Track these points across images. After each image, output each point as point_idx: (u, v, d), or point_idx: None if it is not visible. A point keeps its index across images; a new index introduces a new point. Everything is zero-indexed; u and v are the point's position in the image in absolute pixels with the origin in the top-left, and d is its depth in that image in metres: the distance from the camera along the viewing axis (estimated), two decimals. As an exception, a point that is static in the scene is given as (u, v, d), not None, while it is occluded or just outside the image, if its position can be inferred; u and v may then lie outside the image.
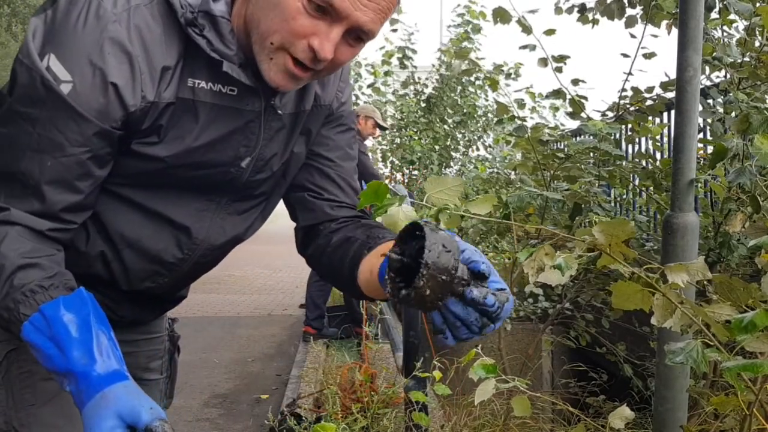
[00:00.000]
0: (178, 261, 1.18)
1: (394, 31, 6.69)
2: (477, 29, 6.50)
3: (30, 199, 0.98)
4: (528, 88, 5.85)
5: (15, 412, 1.08)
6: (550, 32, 3.11)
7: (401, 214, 1.01)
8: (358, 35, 0.98)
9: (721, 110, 2.83)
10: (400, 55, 6.74)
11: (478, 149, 7.16)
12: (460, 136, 6.89)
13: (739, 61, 2.85)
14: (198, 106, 1.05)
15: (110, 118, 0.98)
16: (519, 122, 3.32)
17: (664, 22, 3.10)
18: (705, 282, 1.32)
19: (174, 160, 1.07)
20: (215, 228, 1.18)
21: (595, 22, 3.44)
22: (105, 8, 0.96)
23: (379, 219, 1.03)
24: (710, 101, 2.98)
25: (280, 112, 1.13)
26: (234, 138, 1.10)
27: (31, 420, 1.09)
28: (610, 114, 3.36)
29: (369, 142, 6.71)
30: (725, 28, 2.98)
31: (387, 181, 5.55)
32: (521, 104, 4.72)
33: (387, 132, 6.66)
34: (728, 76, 2.91)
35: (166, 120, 1.04)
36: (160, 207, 1.12)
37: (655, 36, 3.17)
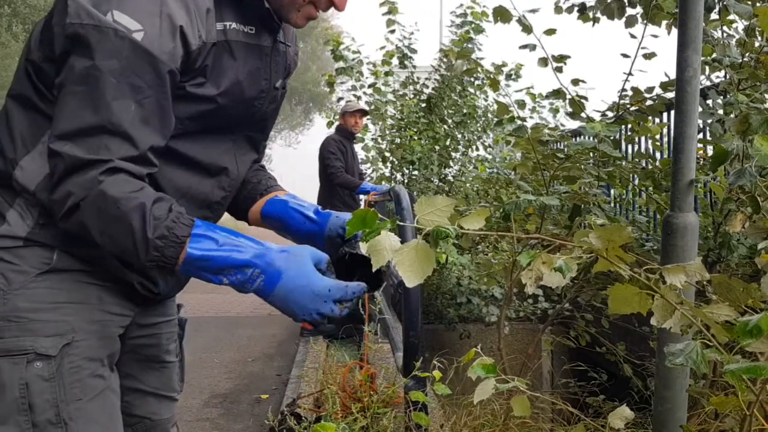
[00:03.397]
0: (223, 199, 1.31)
1: (392, 32, 6.69)
2: (479, 30, 6.49)
3: (123, 145, 1.05)
4: (528, 88, 5.86)
5: (65, 405, 1.12)
6: (550, 32, 3.11)
7: (387, 242, 1.04)
8: None
9: (720, 111, 2.83)
10: (400, 55, 6.73)
11: (477, 149, 7.14)
12: (460, 136, 6.88)
13: (739, 61, 2.85)
14: (232, 46, 1.17)
15: (177, 59, 1.09)
16: (519, 123, 3.32)
17: (664, 22, 3.10)
18: (704, 282, 1.32)
19: (223, 99, 1.17)
20: (240, 163, 1.31)
21: (596, 20, 3.44)
22: None
23: (364, 247, 1.06)
24: (710, 102, 2.98)
25: (289, 45, 1.34)
26: (259, 72, 1.24)
27: (79, 414, 1.13)
28: (610, 114, 3.36)
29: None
30: (725, 28, 2.98)
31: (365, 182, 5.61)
32: (521, 104, 4.72)
33: (387, 132, 6.67)
34: (728, 76, 2.91)
35: (211, 60, 1.14)
36: (198, 153, 1.21)
37: (655, 36, 3.17)
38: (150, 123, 1.07)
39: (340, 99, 6.92)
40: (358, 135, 6.58)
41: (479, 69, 3.34)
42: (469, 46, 6.40)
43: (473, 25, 6.49)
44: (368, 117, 6.62)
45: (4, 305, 1.10)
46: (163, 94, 1.08)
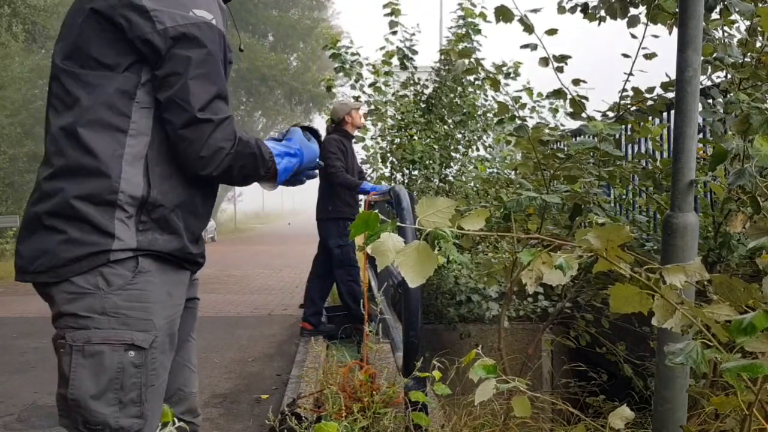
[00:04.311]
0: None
1: (394, 33, 6.69)
2: (477, 30, 6.49)
3: (227, 105, 1.43)
4: (526, 85, 5.85)
5: (145, 388, 1.37)
6: (552, 32, 3.11)
7: (390, 243, 1.06)
8: None
9: (721, 110, 2.83)
10: (401, 56, 6.73)
11: (477, 149, 7.14)
12: (460, 136, 6.88)
13: (740, 61, 2.85)
14: (221, 28, 1.46)
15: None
16: (519, 122, 3.31)
17: (667, 22, 3.10)
18: (705, 282, 1.32)
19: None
20: None
21: (601, 19, 3.43)
22: None
23: (369, 248, 1.12)
24: (711, 101, 2.98)
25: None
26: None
27: (151, 397, 1.38)
28: (611, 114, 3.36)
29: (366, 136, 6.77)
30: (726, 28, 2.98)
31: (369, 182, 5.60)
32: (522, 105, 4.71)
33: (387, 132, 6.66)
34: (729, 76, 2.90)
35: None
36: None
37: (656, 36, 3.17)
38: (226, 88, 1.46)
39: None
40: (358, 134, 6.58)
41: (480, 68, 3.33)
42: (467, 45, 6.40)
43: (472, 26, 6.49)
44: (369, 117, 6.63)
45: (105, 303, 1.33)
46: (224, 70, 1.48)
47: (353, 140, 5.66)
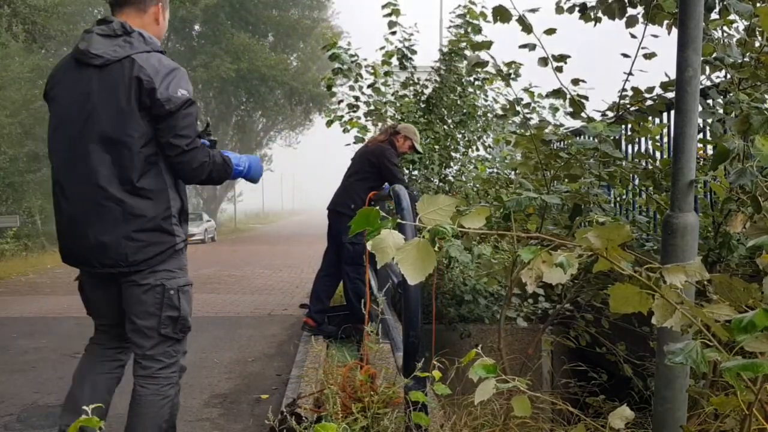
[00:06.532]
0: None
1: (393, 33, 6.69)
2: (477, 29, 6.50)
3: (199, 139, 2.32)
4: (529, 86, 5.85)
5: (189, 313, 2.39)
6: (550, 31, 3.11)
7: (390, 240, 1.06)
8: None
9: (721, 111, 2.83)
10: (400, 56, 6.74)
11: (477, 149, 7.14)
12: (459, 136, 6.88)
13: (740, 61, 2.85)
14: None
15: None
16: (522, 119, 3.31)
17: (665, 22, 3.10)
18: (705, 282, 1.32)
19: None
20: None
21: (597, 20, 3.43)
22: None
23: (368, 244, 1.12)
24: (710, 101, 2.98)
25: None
26: None
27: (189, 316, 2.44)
28: (611, 114, 3.36)
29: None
30: (725, 28, 2.98)
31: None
32: (526, 105, 4.67)
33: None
34: (728, 76, 2.90)
35: None
36: None
37: (656, 36, 3.17)
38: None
39: (340, 101, 6.93)
40: (358, 135, 6.59)
41: (492, 63, 3.28)
42: (465, 45, 6.40)
43: (471, 25, 6.49)
44: (369, 118, 6.63)
45: (180, 262, 2.34)
46: None
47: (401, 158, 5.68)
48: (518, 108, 3.39)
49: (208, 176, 2.27)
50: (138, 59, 2.15)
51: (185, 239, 2.35)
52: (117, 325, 2.40)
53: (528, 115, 5.90)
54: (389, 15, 6.60)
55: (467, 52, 6.40)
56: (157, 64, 2.16)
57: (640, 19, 3.22)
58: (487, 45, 3.03)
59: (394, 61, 6.76)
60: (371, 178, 5.15)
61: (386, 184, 5.09)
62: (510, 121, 5.94)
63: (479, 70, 5.47)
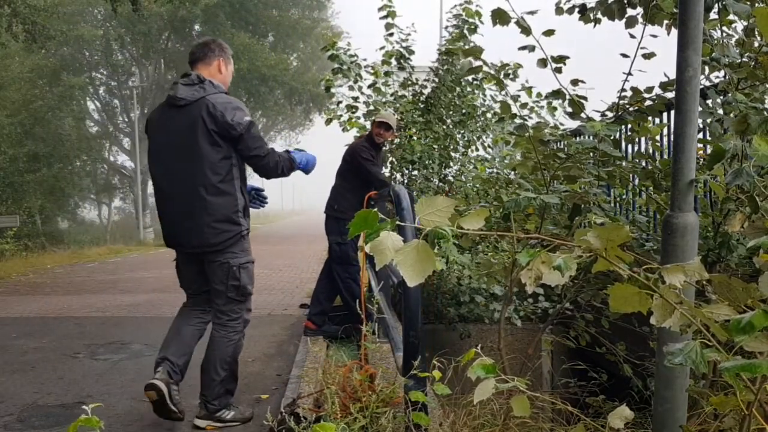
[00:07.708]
0: None
1: (391, 35, 6.70)
2: (473, 29, 6.50)
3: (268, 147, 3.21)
4: (525, 85, 5.84)
5: (252, 284, 3.28)
6: (549, 33, 3.11)
7: (389, 242, 1.06)
8: None
9: (719, 111, 2.83)
10: (398, 56, 6.75)
11: (477, 149, 7.14)
12: (459, 136, 6.88)
13: (738, 61, 2.85)
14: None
15: None
16: (520, 120, 3.31)
17: (665, 22, 3.10)
18: (704, 282, 1.32)
19: None
20: None
21: (597, 21, 3.44)
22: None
23: (367, 246, 1.11)
24: (709, 102, 2.98)
25: None
26: None
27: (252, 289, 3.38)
28: (610, 114, 3.36)
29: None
30: (724, 28, 2.98)
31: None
32: (523, 104, 4.68)
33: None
34: (727, 76, 2.91)
35: None
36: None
37: (655, 36, 3.17)
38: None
39: (339, 102, 6.93)
40: (356, 135, 6.58)
41: (485, 67, 3.30)
42: (464, 45, 6.40)
43: (467, 25, 6.50)
44: (369, 118, 6.63)
45: (243, 245, 3.14)
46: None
47: (380, 151, 5.62)
48: (514, 109, 3.39)
49: (282, 171, 3.17)
50: (209, 98, 3.00)
51: (248, 228, 3.16)
52: (200, 294, 3.28)
53: (526, 116, 5.93)
54: (385, 17, 6.61)
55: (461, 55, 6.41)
56: (224, 101, 3.02)
57: (640, 20, 3.22)
58: (477, 51, 3.06)
59: (394, 61, 6.77)
60: (348, 177, 5.20)
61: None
62: (509, 121, 5.94)
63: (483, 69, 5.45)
